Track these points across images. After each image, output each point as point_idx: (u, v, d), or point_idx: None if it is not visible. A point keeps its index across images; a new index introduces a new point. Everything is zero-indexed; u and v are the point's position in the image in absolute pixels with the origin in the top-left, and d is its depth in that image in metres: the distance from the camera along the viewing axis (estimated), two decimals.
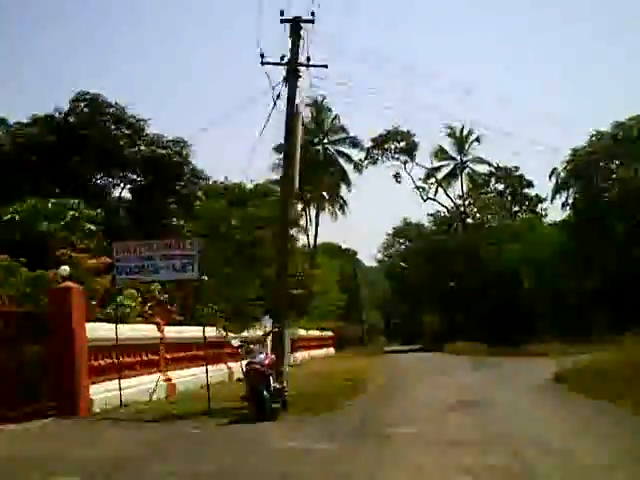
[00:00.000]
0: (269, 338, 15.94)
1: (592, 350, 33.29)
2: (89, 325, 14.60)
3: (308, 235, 62.25)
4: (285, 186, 17.00)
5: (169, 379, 17.89)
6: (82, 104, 39.15)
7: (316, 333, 40.90)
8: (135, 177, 41.05)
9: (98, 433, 11.81)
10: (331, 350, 45.85)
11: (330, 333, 46.76)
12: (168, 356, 18.53)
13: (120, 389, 14.82)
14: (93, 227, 24.61)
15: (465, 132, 61.48)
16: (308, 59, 16.65)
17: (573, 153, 51.39)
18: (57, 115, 39.16)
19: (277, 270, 16.51)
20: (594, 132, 50.95)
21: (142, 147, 39.22)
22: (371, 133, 61.46)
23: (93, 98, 39.12)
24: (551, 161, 61.07)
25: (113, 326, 15.19)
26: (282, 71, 16.52)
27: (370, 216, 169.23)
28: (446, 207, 60.57)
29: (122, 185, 41.88)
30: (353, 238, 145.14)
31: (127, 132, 39.31)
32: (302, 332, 35.89)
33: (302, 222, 65.50)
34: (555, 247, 51.27)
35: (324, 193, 67.91)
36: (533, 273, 51.44)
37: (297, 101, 16.59)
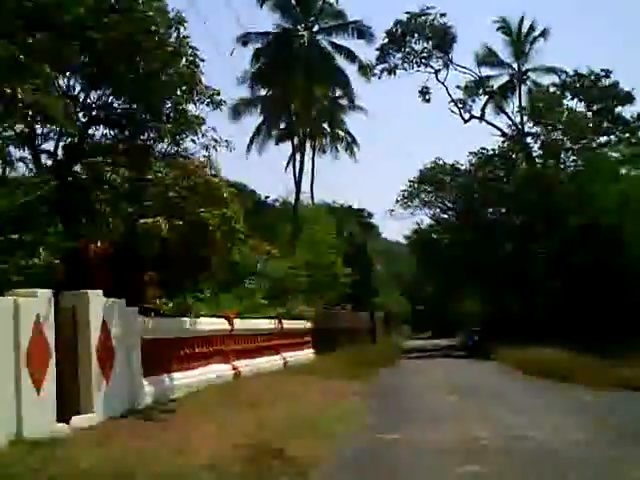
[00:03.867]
0: None
1: None
2: None
3: (297, 184, 43.21)
4: None
5: None
6: None
7: (262, 324, 21.45)
8: None
9: None
10: (304, 354, 26.49)
11: (305, 324, 27.34)
12: None
13: None
14: None
15: (525, 28, 41.66)
16: None
17: None
18: None
19: None
20: None
21: None
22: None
23: None
24: None
25: None
26: None
27: (388, 160, 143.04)
28: (500, 130, 40.45)
29: None
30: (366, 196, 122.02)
31: None
32: (205, 321, 16.46)
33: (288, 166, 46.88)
34: None
35: (326, 126, 48.91)
36: None
37: None
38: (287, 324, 24.26)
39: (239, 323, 19.06)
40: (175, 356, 14.59)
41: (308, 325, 27.87)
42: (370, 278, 50.18)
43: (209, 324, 16.81)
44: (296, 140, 45.70)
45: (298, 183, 42.12)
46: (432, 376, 19.91)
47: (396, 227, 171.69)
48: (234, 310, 19.01)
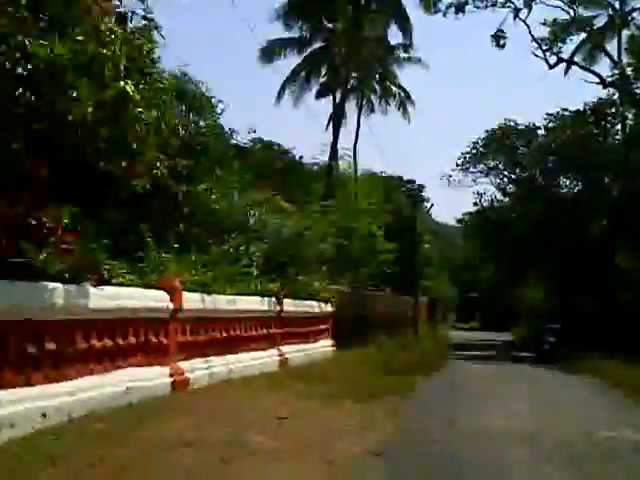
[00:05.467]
0: None
1: None
2: None
3: (334, 139, 35.44)
4: None
5: None
6: None
7: (245, 303, 13.93)
8: None
9: None
10: (318, 347, 19.12)
11: (323, 307, 19.90)
12: None
13: None
14: None
15: None
16: None
17: None
18: None
19: None
20: None
21: None
22: None
23: None
24: None
25: None
26: None
27: (447, 125, 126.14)
28: (598, 75, 31.95)
29: None
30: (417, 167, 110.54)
31: None
32: (114, 293, 9.18)
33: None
34: None
35: (377, 76, 41.65)
36: None
37: None
38: (292, 305, 16.93)
39: (196, 300, 11.79)
40: (21, 356, 7.37)
41: (328, 309, 20.51)
42: (417, 258, 42.38)
43: (123, 298, 9.53)
44: (339, 93, 38.24)
45: (335, 138, 34.50)
46: (513, 406, 11.91)
47: (447, 208, 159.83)
48: (181, 276, 11.68)
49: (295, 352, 16.93)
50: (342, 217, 28.68)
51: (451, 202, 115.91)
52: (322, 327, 20.01)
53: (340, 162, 36.34)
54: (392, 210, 39.92)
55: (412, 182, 53.73)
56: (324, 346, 19.83)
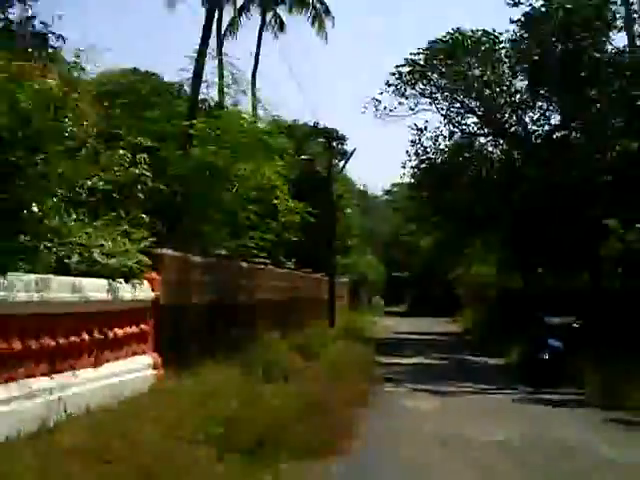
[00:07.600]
0: None
1: None
2: None
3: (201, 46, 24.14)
4: None
5: None
6: None
7: None
8: None
9: None
10: (117, 373, 8.80)
11: (128, 293, 9.63)
12: None
13: None
14: None
15: None
16: None
17: None
18: None
19: None
20: None
21: None
22: None
23: None
24: None
25: None
26: None
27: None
28: None
29: None
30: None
31: None
32: None
33: None
34: None
35: None
36: None
37: None
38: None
39: None
40: None
41: (141, 294, 10.27)
42: (335, 224, 32.68)
43: None
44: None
45: (202, 46, 23.56)
46: None
47: (375, 177, 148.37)
48: None
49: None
50: (219, 153, 18.63)
51: (380, 168, 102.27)
52: (121, 332, 9.70)
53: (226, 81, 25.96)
54: (304, 160, 30.78)
55: (331, 131, 43.45)
56: (126, 372, 9.58)
